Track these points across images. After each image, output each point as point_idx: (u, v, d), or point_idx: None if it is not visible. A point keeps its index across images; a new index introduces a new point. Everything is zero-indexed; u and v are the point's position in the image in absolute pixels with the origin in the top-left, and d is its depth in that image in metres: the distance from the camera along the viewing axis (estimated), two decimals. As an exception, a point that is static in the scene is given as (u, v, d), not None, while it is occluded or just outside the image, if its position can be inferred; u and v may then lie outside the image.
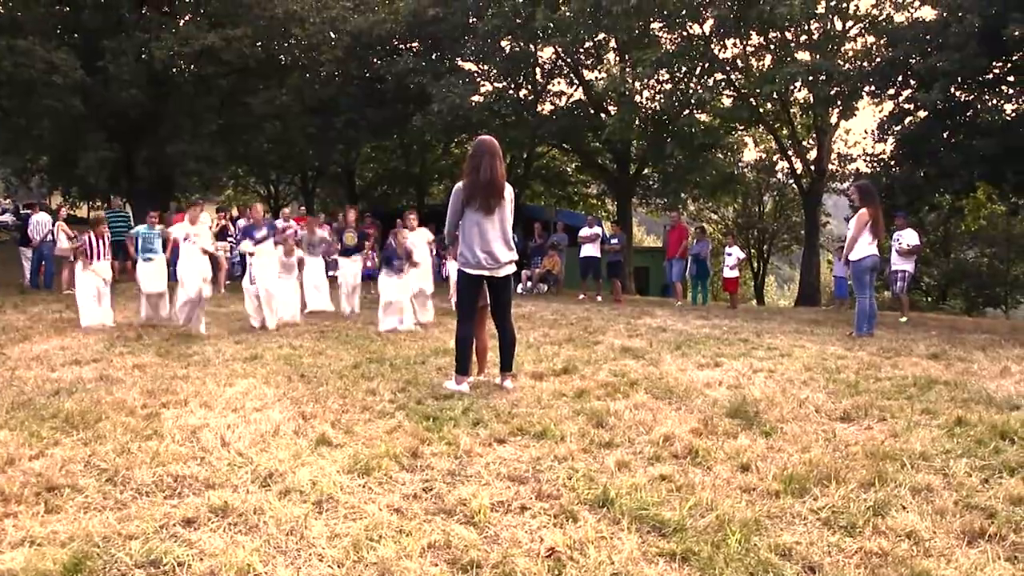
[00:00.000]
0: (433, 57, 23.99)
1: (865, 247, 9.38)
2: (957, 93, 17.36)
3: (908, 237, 12.54)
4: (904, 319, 12.24)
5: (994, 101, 17.63)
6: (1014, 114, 17.30)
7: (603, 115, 23.05)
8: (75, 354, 7.44)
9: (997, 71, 16.81)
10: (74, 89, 18.67)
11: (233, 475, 3.78)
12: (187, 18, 22.81)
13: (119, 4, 21.02)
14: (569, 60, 24.49)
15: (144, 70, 20.55)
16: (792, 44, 20.87)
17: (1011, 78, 16.89)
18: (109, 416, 4.85)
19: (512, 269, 5.88)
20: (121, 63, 19.59)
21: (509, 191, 5.79)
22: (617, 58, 23.69)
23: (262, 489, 3.59)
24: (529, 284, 17.61)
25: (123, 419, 4.79)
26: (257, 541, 3.02)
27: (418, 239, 10.70)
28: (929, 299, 29.69)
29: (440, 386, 5.88)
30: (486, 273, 5.76)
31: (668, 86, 22.52)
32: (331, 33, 23.44)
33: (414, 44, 24.56)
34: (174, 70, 22.08)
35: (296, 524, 3.18)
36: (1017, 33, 14.03)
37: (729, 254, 16.70)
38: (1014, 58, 16.13)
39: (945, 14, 16.49)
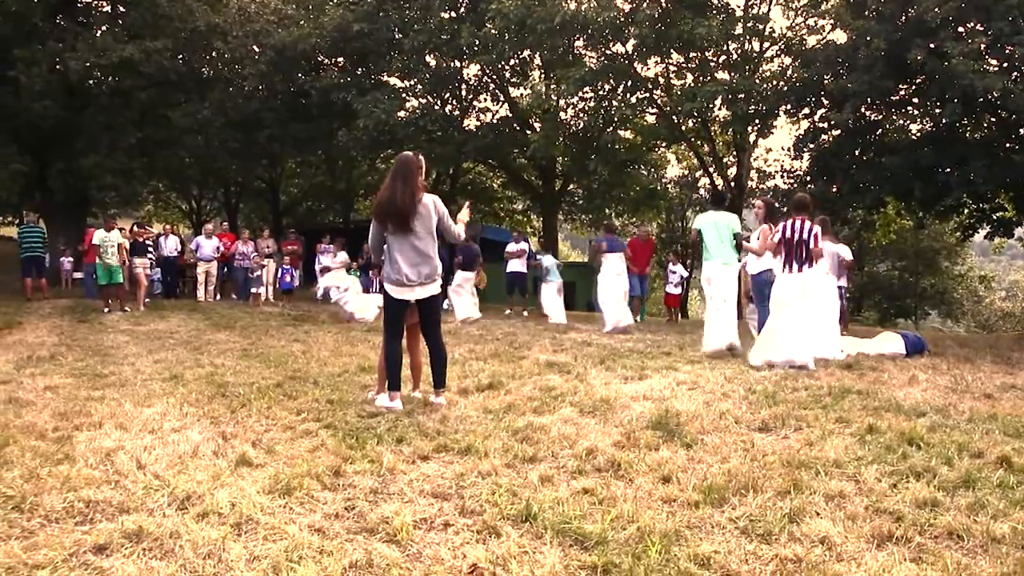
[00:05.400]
0: (358, 72, 23.84)
1: (764, 262, 9.51)
2: (867, 113, 18.09)
3: (841, 252, 12.83)
4: (844, 334, 12.40)
5: (901, 121, 18.44)
6: (919, 134, 18.11)
7: (528, 131, 23.25)
8: (-19, 376, 7.13)
9: (903, 93, 17.57)
10: (-18, 99, 17.98)
11: (149, 499, 3.66)
12: (104, 28, 22.18)
13: (32, 12, 20.30)
14: (494, 77, 24.65)
15: (58, 81, 19.89)
16: (712, 64, 21.43)
17: (915, 100, 17.67)
18: (17, 440, 4.64)
19: (434, 288, 5.84)
20: (34, 73, 18.91)
21: (430, 206, 5.74)
22: (542, 75, 23.94)
23: (179, 512, 3.49)
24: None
25: (32, 443, 4.60)
26: (172, 566, 2.93)
27: None
28: (844, 311, 30.69)
29: (366, 403, 5.83)
30: (407, 294, 5.74)
31: (592, 103, 22.90)
32: (254, 47, 23.11)
33: (339, 59, 24.38)
34: (90, 81, 21.42)
35: (214, 547, 3.09)
36: (920, 57, 14.70)
37: (673, 272, 17.13)
38: (918, 81, 16.88)
39: (854, 38, 17.18)
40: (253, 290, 17.10)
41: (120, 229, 15.44)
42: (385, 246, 5.82)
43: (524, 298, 16.85)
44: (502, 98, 25.57)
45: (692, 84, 21.64)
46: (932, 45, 14.91)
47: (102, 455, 4.34)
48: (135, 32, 21.16)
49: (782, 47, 21.55)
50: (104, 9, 23.83)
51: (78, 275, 20.59)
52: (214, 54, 23.49)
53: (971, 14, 14.98)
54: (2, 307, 14.21)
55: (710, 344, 9.17)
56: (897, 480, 3.98)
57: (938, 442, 4.68)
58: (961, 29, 15.25)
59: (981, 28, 14.96)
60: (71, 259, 21.26)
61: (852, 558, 3.07)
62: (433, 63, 23.16)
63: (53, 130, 20.16)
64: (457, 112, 25.15)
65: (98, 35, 21.17)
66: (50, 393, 6.35)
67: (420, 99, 24.13)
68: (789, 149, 20.75)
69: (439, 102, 24.63)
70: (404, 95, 23.48)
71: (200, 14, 21.75)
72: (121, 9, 23.07)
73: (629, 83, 21.98)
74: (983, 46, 14.54)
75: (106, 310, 13.82)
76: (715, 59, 21.52)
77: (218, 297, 18.11)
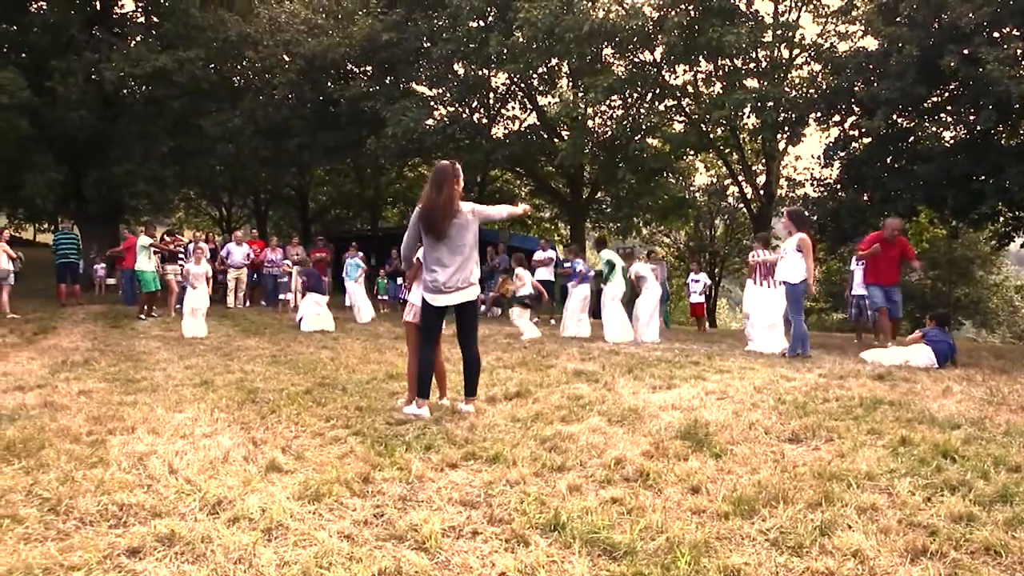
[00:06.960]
0: (387, 81, 24.00)
1: (802, 271, 9.54)
2: (899, 120, 17.89)
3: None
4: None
5: (933, 129, 18.20)
6: (952, 141, 17.85)
7: (556, 139, 23.25)
8: (18, 380, 7.24)
9: (935, 99, 17.35)
10: (21, 109, 18.32)
11: (180, 503, 3.71)
12: (138, 39, 22.57)
13: (69, 24, 20.73)
14: (522, 85, 24.70)
15: (94, 91, 20.28)
16: (741, 71, 21.27)
17: (949, 107, 17.44)
18: (53, 444, 4.72)
19: (472, 295, 5.84)
20: (70, 83, 19.30)
21: (468, 214, 5.78)
22: (569, 83, 23.95)
23: (210, 517, 3.53)
24: (483, 308, 17.58)
25: (67, 447, 4.68)
26: (204, 570, 2.96)
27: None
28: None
29: (394, 410, 5.85)
30: (444, 300, 5.74)
31: (620, 111, 22.86)
32: (285, 56, 23.38)
33: (368, 68, 24.56)
34: (125, 91, 21.81)
35: (245, 552, 3.13)
36: (953, 64, 14.52)
37: (696, 280, 17.05)
38: (951, 87, 16.67)
39: (886, 44, 17.01)
40: (281, 297, 17.26)
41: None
42: (421, 253, 5.85)
43: (552, 306, 16.82)
44: (530, 106, 25.62)
45: (720, 92, 21.52)
46: (966, 51, 14.73)
47: (135, 459, 4.40)
48: (168, 42, 21.53)
49: (812, 54, 21.36)
50: (139, 20, 24.26)
51: (111, 281, 20.89)
52: (245, 63, 23.82)
53: (1006, 19, 14.78)
54: (37, 312, 14.45)
55: (621, 337, 11.97)
56: (931, 493, 3.92)
57: (973, 455, 4.59)
58: (996, 34, 15.06)
59: (1017, 33, 14.76)
60: (104, 265, 21.58)
61: (885, 572, 3.02)
62: (461, 72, 23.26)
63: (88, 140, 20.54)
64: (485, 120, 25.20)
65: (132, 46, 21.58)
66: (84, 397, 6.44)
67: (448, 107, 24.22)
68: (819, 157, 20.54)
69: (467, 110, 24.71)
70: (432, 103, 23.59)
71: (232, 24, 22.08)
72: (155, 20, 23.50)
73: (657, 91, 21.92)
74: (1019, 51, 14.33)
75: (141, 317, 13.98)
76: (744, 67, 21.37)
77: (247, 304, 18.28)
